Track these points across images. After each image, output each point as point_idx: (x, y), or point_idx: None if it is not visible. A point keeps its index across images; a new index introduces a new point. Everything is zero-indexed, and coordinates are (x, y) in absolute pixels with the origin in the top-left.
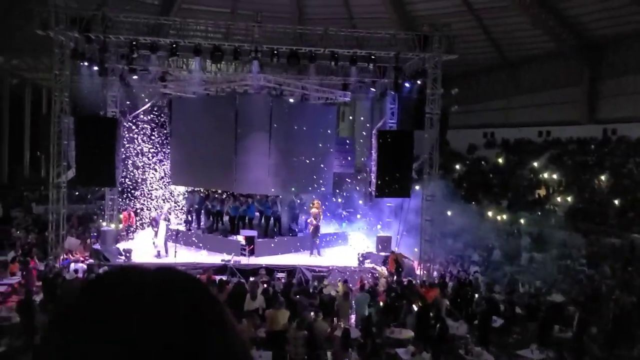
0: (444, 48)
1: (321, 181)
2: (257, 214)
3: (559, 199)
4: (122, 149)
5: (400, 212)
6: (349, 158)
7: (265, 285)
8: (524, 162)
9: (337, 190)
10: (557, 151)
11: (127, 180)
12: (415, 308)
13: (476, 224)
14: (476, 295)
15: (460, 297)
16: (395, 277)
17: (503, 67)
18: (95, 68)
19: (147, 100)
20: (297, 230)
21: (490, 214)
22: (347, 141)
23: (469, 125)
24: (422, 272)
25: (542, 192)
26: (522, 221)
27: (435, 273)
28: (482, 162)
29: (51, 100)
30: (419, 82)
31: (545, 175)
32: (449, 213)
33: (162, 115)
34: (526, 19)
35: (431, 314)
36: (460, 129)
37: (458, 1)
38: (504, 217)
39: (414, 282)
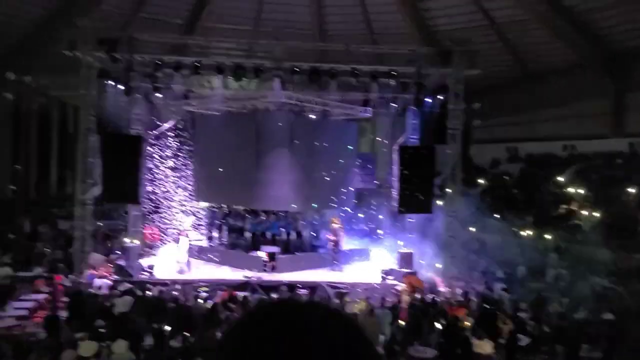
0: (465, 63)
1: (342, 197)
2: (283, 229)
3: (585, 213)
4: (146, 166)
5: (422, 227)
6: (371, 174)
7: None
8: (548, 176)
9: (359, 206)
10: (582, 165)
11: (150, 196)
12: (439, 326)
13: (500, 240)
14: (501, 314)
15: (485, 315)
16: (416, 295)
17: (526, 80)
18: (121, 87)
19: (170, 118)
20: (318, 246)
21: (514, 229)
22: (369, 157)
23: (492, 139)
24: (445, 289)
25: (569, 207)
26: (547, 237)
27: (459, 290)
28: (506, 177)
29: (78, 118)
30: (440, 97)
31: (571, 190)
32: (472, 229)
33: (185, 132)
34: (548, 31)
35: (455, 333)
36: (483, 143)
37: (479, 15)
38: (529, 232)
39: (437, 299)
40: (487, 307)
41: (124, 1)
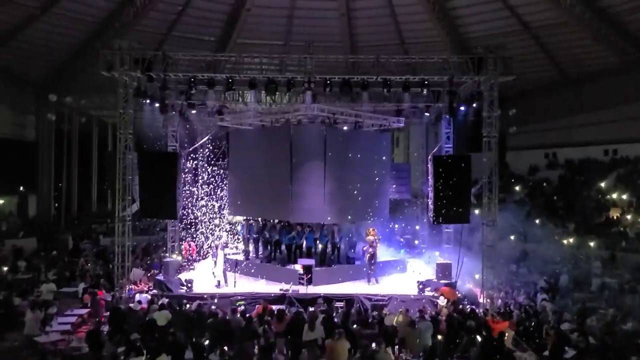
0: (499, 69)
1: (377, 208)
2: (318, 242)
3: (630, 219)
4: (183, 182)
5: (460, 237)
6: (405, 184)
7: (324, 315)
8: (589, 182)
9: (394, 217)
10: (625, 170)
11: (187, 211)
12: (479, 339)
13: (541, 249)
14: (544, 325)
15: (527, 326)
16: (453, 307)
17: (564, 84)
18: (157, 105)
19: (205, 133)
20: (354, 258)
21: (556, 237)
22: (403, 167)
23: (529, 146)
24: (485, 301)
25: (614, 213)
26: (591, 244)
27: (499, 301)
28: (545, 184)
29: (116, 137)
30: (474, 104)
31: (614, 195)
32: (511, 238)
33: (220, 147)
34: (585, 34)
35: (496, 345)
36: (519, 150)
37: (512, 20)
38: (571, 240)
39: (477, 310)
40: (529, 318)
41: (158, 22)
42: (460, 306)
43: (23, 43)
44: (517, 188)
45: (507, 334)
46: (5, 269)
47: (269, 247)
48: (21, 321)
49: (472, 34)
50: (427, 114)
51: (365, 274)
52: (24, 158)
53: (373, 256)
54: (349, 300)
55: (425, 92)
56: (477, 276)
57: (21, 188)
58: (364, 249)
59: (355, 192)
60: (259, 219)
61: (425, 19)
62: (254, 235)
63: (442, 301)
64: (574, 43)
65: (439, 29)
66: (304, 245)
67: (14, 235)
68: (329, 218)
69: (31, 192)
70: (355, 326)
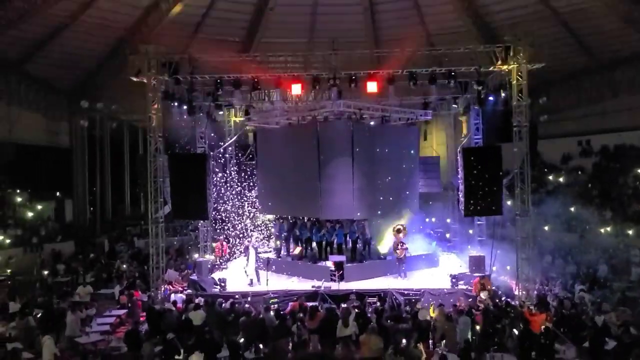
0: (528, 57)
1: (407, 202)
2: (349, 238)
3: None
4: (213, 182)
5: (493, 230)
6: (435, 177)
7: (357, 311)
8: (625, 169)
9: (424, 211)
10: None
11: (218, 211)
12: (516, 332)
13: (577, 239)
14: (583, 316)
15: (565, 318)
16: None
17: (596, 70)
18: (185, 107)
19: (233, 134)
20: (385, 253)
21: (592, 227)
22: (432, 160)
23: (562, 133)
24: (520, 293)
25: None
26: (629, 233)
27: (535, 293)
28: (579, 172)
29: (147, 140)
30: (503, 94)
31: None
32: (545, 228)
33: (248, 146)
34: (617, 17)
35: (534, 338)
36: (551, 138)
37: (540, 7)
38: (608, 229)
39: (513, 303)
40: (567, 309)
41: (183, 25)
42: (497, 299)
43: (54, 52)
44: (550, 177)
45: (544, 326)
46: (45, 272)
47: (300, 245)
48: (62, 323)
49: (498, 22)
50: (455, 105)
51: (397, 269)
52: (59, 164)
53: (404, 251)
54: (382, 295)
55: (452, 83)
56: (508, 267)
57: (57, 193)
58: (396, 244)
59: (384, 187)
60: (289, 216)
61: (450, 10)
62: (285, 233)
63: (484, 295)
64: (605, 27)
65: (464, 18)
66: (334, 242)
67: (52, 239)
68: (358, 214)
69: (67, 197)
70: (388, 321)
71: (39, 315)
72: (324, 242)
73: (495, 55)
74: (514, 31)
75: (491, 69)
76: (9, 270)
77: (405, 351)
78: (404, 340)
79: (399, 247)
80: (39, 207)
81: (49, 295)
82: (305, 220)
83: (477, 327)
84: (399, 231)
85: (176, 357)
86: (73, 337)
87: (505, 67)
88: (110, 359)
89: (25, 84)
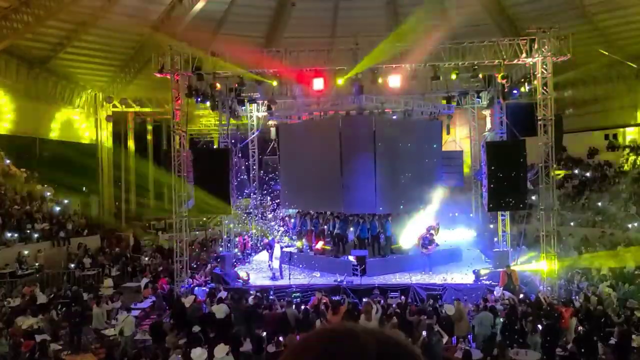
0: (553, 50)
1: (430, 197)
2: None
3: None
4: (235, 177)
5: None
6: (458, 172)
7: (379, 305)
8: None
9: (448, 205)
10: None
11: (241, 206)
12: (540, 327)
13: (603, 234)
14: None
15: (591, 314)
16: (513, 294)
17: (623, 62)
18: (208, 103)
19: (255, 128)
20: (408, 248)
21: (619, 222)
22: (455, 154)
23: (588, 127)
24: (545, 288)
25: None
26: None
27: (559, 289)
28: (606, 167)
29: (170, 135)
30: (528, 87)
31: None
32: (571, 224)
33: (271, 141)
34: None
35: (559, 334)
36: (578, 132)
37: None
38: (636, 225)
39: (538, 299)
40: (594, 305)
41: (206, 21)
42: (522, 295)
43: (79, 48)
44: (576, 171)
45: (570, 322)
46: (72, 265)
47: (322, 239)
48: (88, 315)
49: (522, 14)
50: (478, 99)
51: (420, 264)
52: (85, 159)
53: (428, 245)
54: (404, 290)
55: (476, 76)
56: (534, 262)
57: (84, 188)
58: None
59: (407, 182)
60: (312, 211)
61: (473, 3)
62: (308, 228)
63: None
64: (632, 18)
65: (488, 11)
66: (357, 236)
67: (79, 233)
68: (380, 208)
69: (93, 192)
70: (411, 316)
71: (63, 309)
72: (346, 236)
73: (519, 48)
74: (538, 24)
75: (515, 61)
76: (37, 264)
77: (427, 345)
78: (424, 333)
79: (431, 245)
80: (66, 201)
81: (78, 288)
82: (328, 215)
83: (500, 323)
84: (432, 229)
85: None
86: (99, 329)
87: (529, 59)
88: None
89: (52, 81)
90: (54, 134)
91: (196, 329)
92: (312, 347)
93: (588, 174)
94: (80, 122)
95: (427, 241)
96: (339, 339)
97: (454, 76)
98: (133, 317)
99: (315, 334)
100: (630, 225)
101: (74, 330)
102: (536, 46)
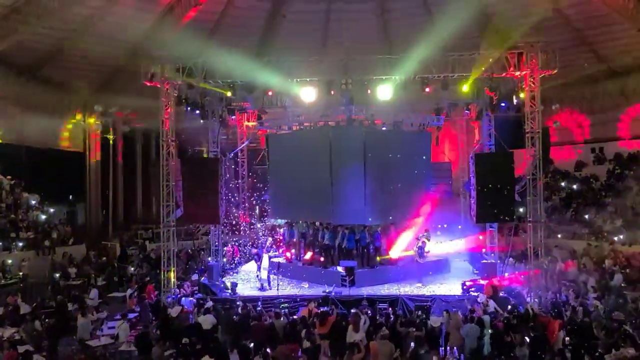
0: (541, 64)
1: (419, 208)
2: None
3: None
4: (225, 186)
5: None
6: (447, 183)
7: (367, 316)
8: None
9: (436, 216)
10: None
11: (230, 215)
12: (527, 340)
13: (590, 247)
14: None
15: (579, 327)
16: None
17: (609, 77)
18: (197, 112)
19: (245, 138)
20: (397, 259)
21: (605, 234)
22: (444, 166)
23: (575, 141)
24: (532, 300)
25: None
26: None
27: (546, 301)
28: (592, 180)
29: (159, 144)
30: (516, 100)
31: None
32: (559, 236)
33: (260, 151)
34: (631, 25)
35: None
36: (564, 145)
37: (552, 14)
38: (622, 237)
39: (525, 311)
40: (580, 318)
41: (197, 30)
42: (509, 306)
43: (68, 56)
44: (562, 184)
45: (556, 335)
46: (57, 275)
47: (311, 250)
48: (72, 326)
49: (511, 29)
50: (467, 111)
51: (409, 275)
52: (72, 168)
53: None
54: (393, 301)
55: (465, 88)
56: (521, 276)
57: (70, 197)
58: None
59: (396, 193)
60: (301, 221)
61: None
62: (296, 238)
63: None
64: (618, 34)
65: (476, 24)
66: (345, 247)
67: (64, 243)
68: (370, 219)
69: (79, 200)
70: (399, 327)
71: (46, 320)
72: (334, 247)
73: (507, 61)
74: (526, 37)
75: (504, 75)
76: (21, 273)
77: (415, 357)
78: (412, 344)
79: (423, 255)
80: (51, 210)
81: (63, 298)
82: (318, 225)
83: (488, 335)
84: (423, 237)
85: None
86: (84, 340)
87: (518, 73)
88: None
89: (40, 88)
90: (41, 141)
91: (186, 341)
92: None
93: (575, 187)
94: (68, 130)
95: (422, 251)
96: None
97: (465, 87)
98: (128, 324)
99: None
100: (616, 238)
101: (53, 341)
102: (524, 60)
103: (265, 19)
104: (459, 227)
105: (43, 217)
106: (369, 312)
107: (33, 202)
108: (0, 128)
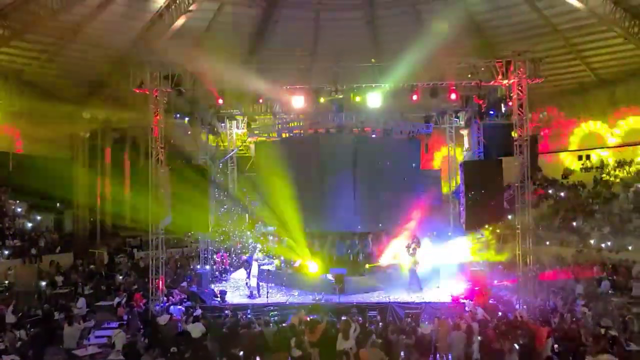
0: (529, 72)
1: (408, 215)
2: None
3: None
4: (214, 194)
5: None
6: (436, 190)
7: (357, 324)
8: (627, 184)
9: (426, 223)
10: None
11: (219, 223)
12: (516, 347)
13: (577, 253)
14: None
15: (567, 333)
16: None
17: (596, 85)
18: (187, 119)
19: (234, 146)
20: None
21: (592, 242)
22: (433, 173)
23: (562, 148)
24: (521, 307)
25: None
26: (630, 248)
27: (535, 308)
28: (579, 187)
29: (148, 151)
30: (504, 108)
31: None
32: (547, 243)
33: (250, 158)
34: (618, 34)
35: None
36: (552, 153)
37: (541, 22)
38: (609, 244)
39: (513, 319)
40: (567, 324)
41: (187, 37)
42: (499, 313)
43: (58, 63)
44: (550, 191)
45: (545, 342)
46: (44, 284)
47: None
48: (59, 335)
49: (499, 37)
50: (456, 119)
51: (400, 283)
52: (60, 175)
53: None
54: (383, 308)
55: (453, 97)
56: (508, 283)
57: (57, 204)
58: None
59: (385, 200)
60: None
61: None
62: (285, 245)
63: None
64: (606, 43)
65: (465, 33)
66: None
67: (51, 250)
68: (359, 227)
69: (67, 208)
70: (390, 335)
71: (31, 329)
72: (324, 255)
73: (495, 69)
74: (514, 46)
75: (492, 83)
76: (7, 282)
77: None
78: (402, 354)
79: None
80: (39, 217)
81: (49, 307)
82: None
83: (477, 343)
84: (415, 249)
85: None
86: (70, 350)
87: (505, 81)
88: None
89: (28, 94)
90: (28, 148)
91: (174, 349)
92: None
93: (562, 194)
94: (56, 136)
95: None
96: None
97: (453, 95)
98: (124, 332)
99: None
100: (603, 245)
101: (38, 350)
102: (512, 68)
103: (255, 27)
104: (449, 234)
105: (29, 224)
106: (359, 319)
107: (19, 209)
108: None
